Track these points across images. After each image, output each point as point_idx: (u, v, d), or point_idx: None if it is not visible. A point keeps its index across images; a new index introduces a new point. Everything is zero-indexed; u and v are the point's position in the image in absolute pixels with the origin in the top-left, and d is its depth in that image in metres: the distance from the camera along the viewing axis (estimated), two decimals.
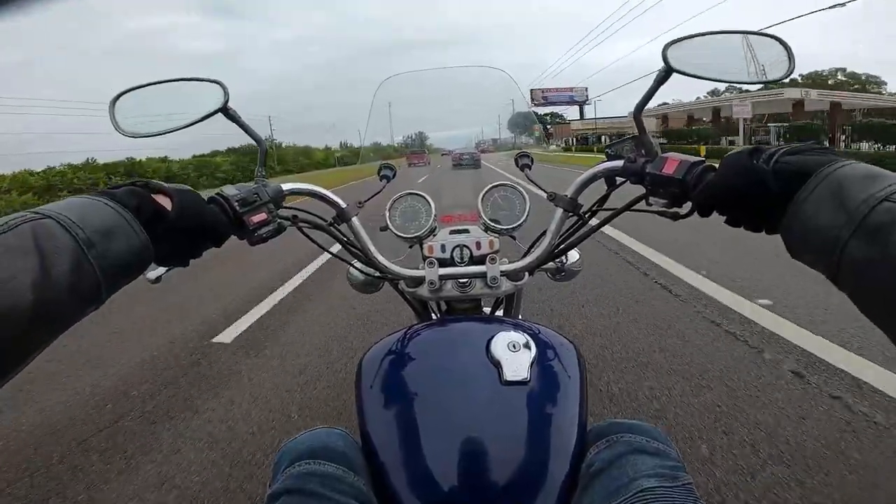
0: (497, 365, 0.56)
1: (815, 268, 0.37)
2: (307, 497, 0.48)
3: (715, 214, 0.47)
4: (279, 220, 0.56)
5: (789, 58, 0.53)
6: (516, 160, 0.81)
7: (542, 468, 0.51)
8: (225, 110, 0.57)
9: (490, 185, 0.79)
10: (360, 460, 0.54)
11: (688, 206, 0.50)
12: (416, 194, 0.81)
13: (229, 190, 0.52)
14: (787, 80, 0.56)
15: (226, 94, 0.57)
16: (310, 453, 0.53)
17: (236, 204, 0.51)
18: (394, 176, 0.80)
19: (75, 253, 0.34)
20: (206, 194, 0.51)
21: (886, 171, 0.34)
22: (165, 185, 0.45)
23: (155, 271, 0.56)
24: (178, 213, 0.44)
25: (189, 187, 0.47)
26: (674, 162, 0.50)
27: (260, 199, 0.53)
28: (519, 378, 0.54)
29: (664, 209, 0.52)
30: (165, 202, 0.44)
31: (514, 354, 0.56)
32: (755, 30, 0.55)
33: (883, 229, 0.30)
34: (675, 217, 0.52)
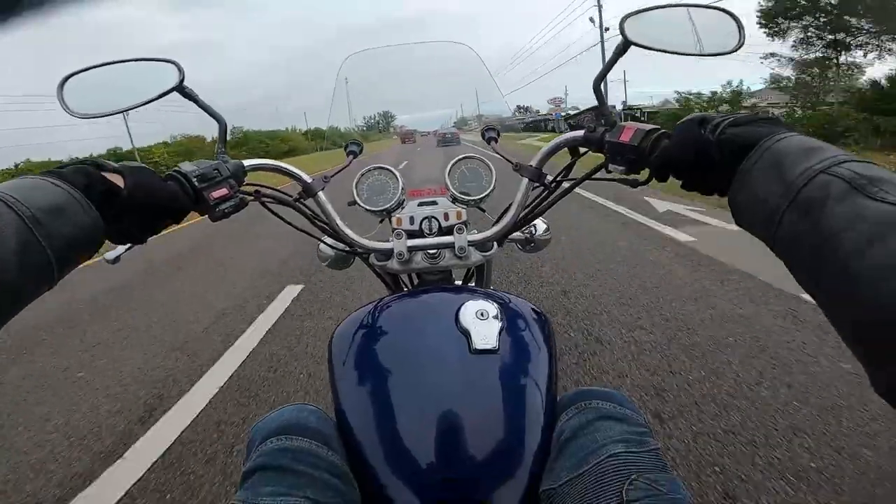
0: (466, 334, 0.56)
1: (757, 236, 0.38)
2: (280, 473, 0.48)
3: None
4: (241, 195, 0.56)
5: (739, 32, 0.55)
6: (482, 133, 0.81)
7: (515, 437, 0.52)
8: (181, 89, 0.57)
9: (457, 158, 0.79)
10: (334, 435, 0.54)
11: (646, 172, 0.51)
12: (384, 168, 0.80)
13: (187, 167, 0.52)
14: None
15: (181, 73, 0.56)
16: (281, 430, 0.53)
17: (195, 180, 0.51)
18: (360, 152, 0.79)
19: (22, 231, 0.34)
20: None
21: (825, 143, 0.35)
22: (117, 163, 0.45)
23: (113, 251, 0.55)
24: (132, 191, 0.43)
25: (144, 165, 0.47)
26: (630, 130, 0.51)
27: (220, 175, 0.53)
28: (488, 346, 0.54)
29: (624, 176, 0.53)
30: (118, 180, 0.43)
31: (482, 323, 0.56)
32: (707, 4, 0.56)
33: (816, 202, 0.31)
34: (635, 184, 0.53)
